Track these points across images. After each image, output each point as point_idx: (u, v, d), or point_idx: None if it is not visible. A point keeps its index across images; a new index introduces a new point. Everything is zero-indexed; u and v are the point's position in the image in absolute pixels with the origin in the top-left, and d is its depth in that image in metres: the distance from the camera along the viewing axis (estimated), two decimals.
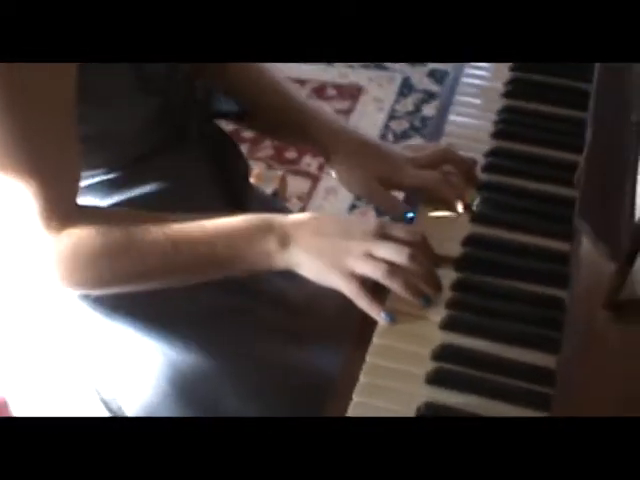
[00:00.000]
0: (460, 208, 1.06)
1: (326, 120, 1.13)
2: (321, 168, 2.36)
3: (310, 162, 2.38)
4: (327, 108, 2.56)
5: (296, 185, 2.33)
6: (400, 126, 2.55)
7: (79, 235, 0.89)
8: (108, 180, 0.99)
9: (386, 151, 1.11)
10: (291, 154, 2.41)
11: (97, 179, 0.99)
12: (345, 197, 2.26)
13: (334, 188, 2.30)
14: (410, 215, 1.07)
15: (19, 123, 0.84)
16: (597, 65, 1.03)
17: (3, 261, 0.93)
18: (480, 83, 1.27)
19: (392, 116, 2.59)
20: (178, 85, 0.98)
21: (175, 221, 0.92)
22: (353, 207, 2.26)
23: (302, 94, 1.18)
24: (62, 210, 0.89)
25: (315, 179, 2.35)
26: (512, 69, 1.29)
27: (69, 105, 0.87)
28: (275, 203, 1.30)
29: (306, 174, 2.37)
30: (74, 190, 0.92)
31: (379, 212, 1.13)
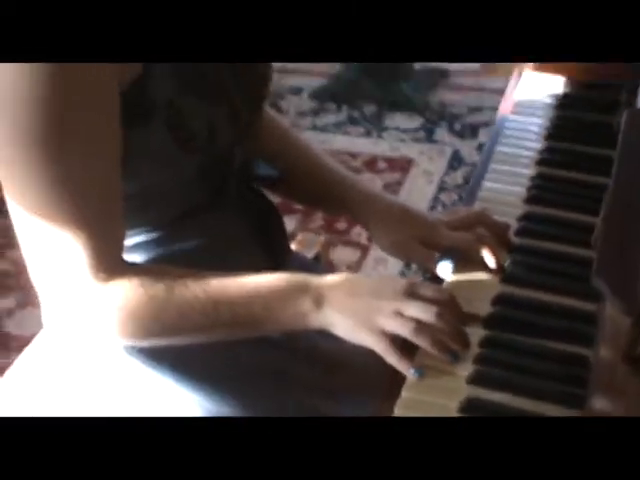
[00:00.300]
0: (493, 267, 1.09)
1: (361, 189, 1.19)
2: (371, 239, 2.40)
3: (360, 232, 2.43)
4: (378, 181, 2.65)
5: (346, 255, 2.38)
6: (449, 198, 2.60)
7: (124, 287, 0.95)
8: (150, 240, 1.05)
9: (421, 214, 1.16)
10: (341, 225, 2.46)
11: (138, 239, 1.05)
12: (394, 266, 2.30)
13: (383, 258, 2.35)
14: (445, 262, 1.10)
15: (68, 175, 0.90)
16: (621, 131, 1.07)
17: (49, 311, 0.98)
18: (514, 152, 1.32)
19: (442, 188, 2.64)
20: (217, 147, 1.04)
21: (215, 278, 0.97)
22: (402, 275, 2.30)
23: (336, 163, 1.23)
24: (109, 262, 0.94)
25: (365, 249, 2.40)
26: (546, 138, 1.33)
27: (114, 159, 0.94)
28: (315, 267, 1.35)
29: (356, 244, 2.42)
30: (120, 243, 0.98)
31: (428, 278, 1.17)
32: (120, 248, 0.98)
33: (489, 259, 1.10)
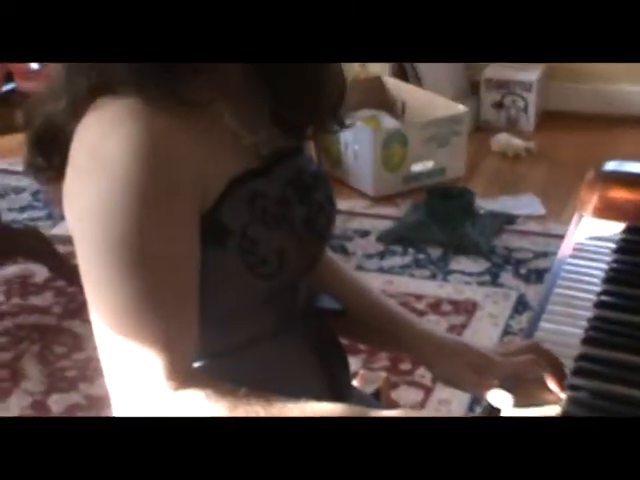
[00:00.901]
0: (554, 389, 1.11)
1: (415, 323, 1.24)
2: (434, 379, 2.41)
3: (424, 374, 2.44)
4: (443, 323, 2.67)
5: (410, 396, 2.39)
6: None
7: (190, 398, 0.99)
8: (214, 361, 1.10)
9: (477, 347, 1.20)
10: (405, 365, 2.48)
11: (204, 360, 1.10)
12: (458, 407, 2.31)
13: (447, 400, 2.35)
14: (502, 391, 1.12)
15: (149, 288, 0.98)
16: None
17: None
18: (572, 294, 1.34)
19: (506, 331, 2.65)
20: (286, 275, 1.10)
21: (276, 401, 1.01)
22: None
23: (392, 301, 1.28)
24: (180, 371, 1.00)
25: (428, 390, 2.41)
26: (604, 281, 1.36)
27: (193, 275, 1.01)
28: (375, 402, 1.37)
29: (420, 385, 2.43)
30: (192, 353, 1.03)
31: (486, 409, 1.19)
32: (192, 358, 1.03)
33: (550, 380, 1.12)
